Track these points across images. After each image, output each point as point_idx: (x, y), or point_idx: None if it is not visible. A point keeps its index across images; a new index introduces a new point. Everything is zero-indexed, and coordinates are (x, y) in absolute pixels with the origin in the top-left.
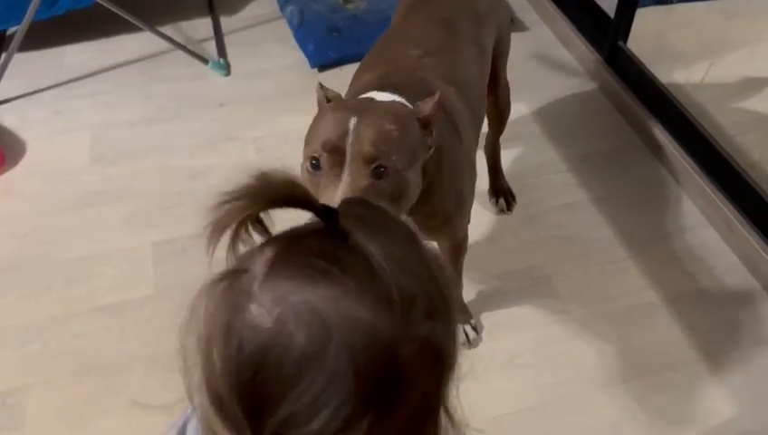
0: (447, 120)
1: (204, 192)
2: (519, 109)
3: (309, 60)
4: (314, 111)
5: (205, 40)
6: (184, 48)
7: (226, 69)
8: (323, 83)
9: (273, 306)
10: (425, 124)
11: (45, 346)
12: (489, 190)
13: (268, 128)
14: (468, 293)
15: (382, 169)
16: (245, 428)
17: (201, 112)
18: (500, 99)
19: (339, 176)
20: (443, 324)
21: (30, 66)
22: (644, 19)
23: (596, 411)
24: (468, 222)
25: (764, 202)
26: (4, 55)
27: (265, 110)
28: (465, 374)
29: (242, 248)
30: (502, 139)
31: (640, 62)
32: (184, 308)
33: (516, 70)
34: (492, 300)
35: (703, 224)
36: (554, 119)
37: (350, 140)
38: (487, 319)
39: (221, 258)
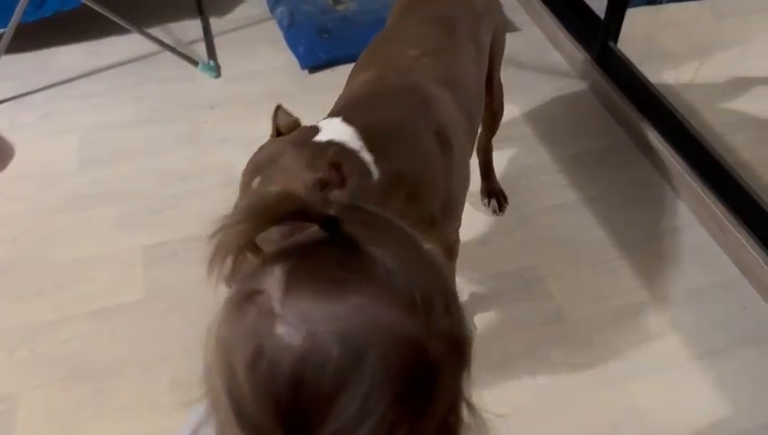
0: (435, 137)
1: (194, 195)
2: (510, 110)
3: (299, 61)
4: (305, 112)
5: (194, 42)
6: (174, 50)
7: (217, 71)
8: (314, 85)
9: (299, 323)
10: (322, 186)
11: (36, 351)
12: (481, 191)
13: (259, 130)
14: (461, 294)
15: None
16: None
17: (191, 114)
18: (494, 100)
19: None
20: (458, 317)
21: (19, 68)
22: (634, 19)
23: (591, 411)
24: (459, 226)
25: (755, 201)
26: None
27: (256, 112)
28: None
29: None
30: (493, 140)
31: (630, 62)
32: (176, 313)
33: (506, 71)
34: (484, 301)
35: (694, 223)
36: (545, 120)
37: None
38: (480, 320)
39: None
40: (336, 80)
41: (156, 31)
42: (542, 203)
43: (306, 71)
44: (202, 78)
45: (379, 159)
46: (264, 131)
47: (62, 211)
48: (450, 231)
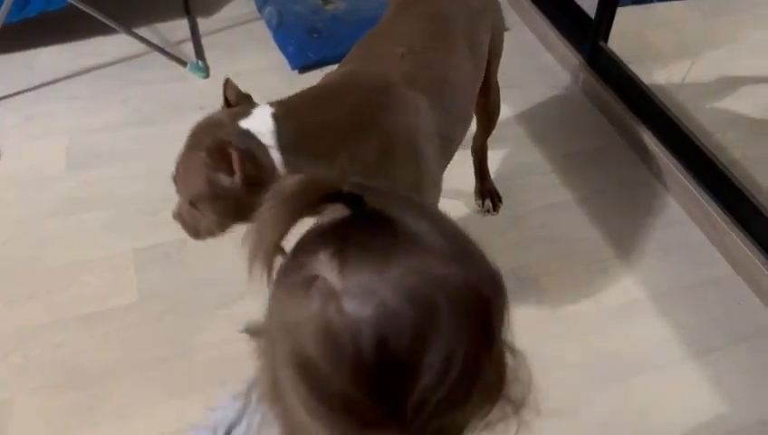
0: (393, 141)
1: None
2: (502, 110)
3: (289, 61)
4: None
5: (182, 42)
6: (162, 50)
7: (205, 71)
8: (304, 85)
9: (366, 295)
10: (214, 158)
11: (29, 356)
12: (475, 192)
13: None
14: None
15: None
16: (389, 415)
17: (180, 115)
18: (490, 101)
19: None
20: (489, 260)
21: (2, 70)
22: (624, 19)
23: (586, 411)
24: None
25: (747, 199)
26: None
27: None
28: None
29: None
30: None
31: (621, 61)
32: (169, 315)
33: (498, 72)
34: None
35: (687, 222)
36: (537, 120)
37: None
38: None
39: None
40: None
41: (142, 31)
42: (535, 203)
43: (296, 71)
44: (191, 78)
45: (290, 161)
46: None
47: (52, 215)
48: None
